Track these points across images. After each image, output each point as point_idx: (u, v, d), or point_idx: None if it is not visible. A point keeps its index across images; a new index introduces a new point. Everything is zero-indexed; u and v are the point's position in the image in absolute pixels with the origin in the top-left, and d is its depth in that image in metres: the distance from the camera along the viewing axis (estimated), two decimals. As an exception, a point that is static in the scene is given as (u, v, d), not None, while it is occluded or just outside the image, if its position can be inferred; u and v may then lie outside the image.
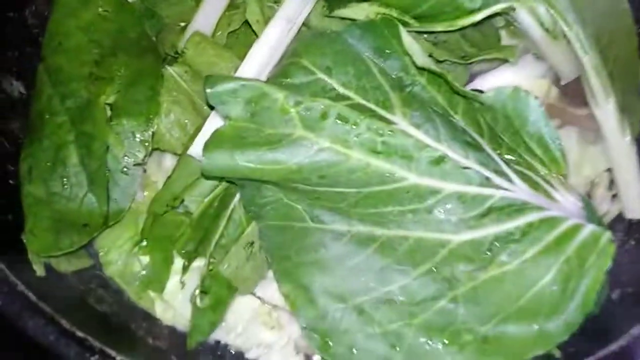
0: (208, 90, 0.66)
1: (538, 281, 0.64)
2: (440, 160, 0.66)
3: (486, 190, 0.66)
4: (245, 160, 0.64)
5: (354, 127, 0.65)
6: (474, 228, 0.66)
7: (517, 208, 0.66)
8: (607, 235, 0.65)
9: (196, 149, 0.74)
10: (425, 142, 0.67)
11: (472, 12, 0.75)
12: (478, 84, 0.86)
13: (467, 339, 0.64)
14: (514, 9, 0.77)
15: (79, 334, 0.59)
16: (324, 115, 0.65)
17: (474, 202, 0.66)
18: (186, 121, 0.80)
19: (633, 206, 0.81)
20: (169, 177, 0.80)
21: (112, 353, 0.58)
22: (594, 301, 0.66)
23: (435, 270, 0.66)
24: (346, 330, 0.66)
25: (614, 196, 0.85)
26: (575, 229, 0.66)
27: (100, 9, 0.82)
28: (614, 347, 0.62)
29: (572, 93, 0.87)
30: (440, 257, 0.66)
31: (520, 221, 0.65)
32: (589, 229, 0.65)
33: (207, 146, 0.66)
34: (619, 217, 0.84)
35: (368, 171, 0.65)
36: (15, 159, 0.80)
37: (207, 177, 0.73)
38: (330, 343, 0.66)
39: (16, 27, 0.86)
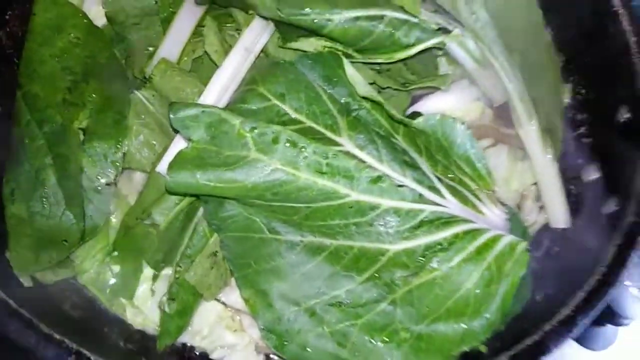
0: (172, 116, 0.71)
1: (463, 285, 0.72)
2: (378, 179, 0.74)
3: (418, 206, 0.74)
4: (205, 179, 0.69)
5: (302, 150, 0.71)
6: (409, 239, 0.74)
7: (445, 221, 0.74)
8: (523, 245, 0.75)
9: (163, 167, 0.79)
10: (366, 163, 0.75)
11: (408, 46, 0.83)
12: (420, 106, 0.94)
13: (403, 337, 0.72)
14: (444, 44, 0.86)
15: (57, 336, 0.65)
16: (275, 140, 0.71)
17: (407, 216, 0.74)
18: (154, 142, 0.85)
19: (556, 217, 0.90)
20: (140, 193, 0.87)
21: (88, 354, 0.64)
22: (512, 302, 0.76)
23: (376, 276, 0.74)
24: (299, 330, 0.73)
25: (542, 207, 0.93)
26: (495, 239, 0.75)
27: (71, 35, 0.86)
28: (528, 341, 0.70)
29: (504, 115, 0.95)
30: (381, 264, 0.73)
31: (448, 232, 0.74)
32: (507, 239, 0.75)
33: (171, 166, 0.71)
34: (546, 227, 0.92)
35: (315, 189, 0.71)
36: None
37: (172, 194, 0.79)
38: (286, 342, 0.73)
39: None
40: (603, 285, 0.72)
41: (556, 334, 0.69)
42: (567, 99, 1.00)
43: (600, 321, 0.98)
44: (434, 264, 0.74)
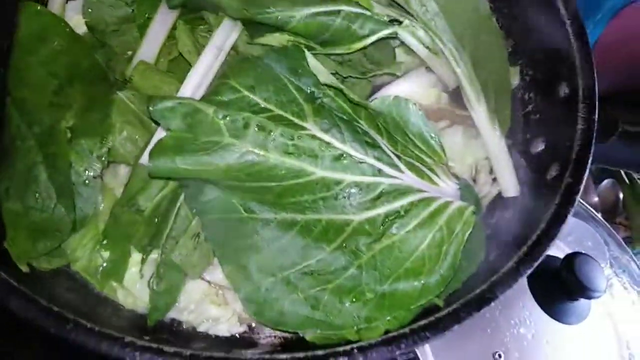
0: (151, 109, 0.77)
1: (418, 247, 0.80)
2: (340, 157, 0.81)
3: (378, 179, 0.82)
4: (183, 164, 0.76)
5: (270, 133, 0.78)
6: (370, 209, 0.81)
7: (402, 191, 0.82)
8: (470, 208, 0.83)
9: (145, 159, 0.86)
10: (329, 143, 0.82)
11: (363, 37, 0.91)
12: (381, 93, 1.02)
13: (369, 296, 0.79)
14: (396, 34, 0.94)
15: (55, 308, 0.72)
16: (246, 125, 0.78)
17: (368, 189, 0.82)
18: (136, 137, 0.91)
19: (507, 187, 0.99)
20: (126, 185, 0.93)
21: (85, 322, 0.71)
22: (467, 263, 0.85)
23: (344, 245, 0.81)
24: (276, 298, 0.79)
25: (494, 180, 1.01)
26: (446, 205, 0.83)
27: (55, 44, 0.92)
28: (477, 290, 0.77)
29: (458, 98, 1.04)
30: (346, 234, 0.81)
31: (404, 201, 0.82)
32: (456, 204, 0.83)
33: (152, 153, 0.77)
34: (499, 196, 1.01)
35: (283, 168, 0.78)
36: None
37: (153, 177, 0.85)
38: (264, 310, 0.79)
39: None
40: (543, 239, 0.80)
41: (502, 283, 0.76)
42: (516, 81, 1.10)
43: (572, 296, 1.05)
44: (393, 230, 0.81)
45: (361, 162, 0.83)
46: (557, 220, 0.82)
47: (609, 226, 1.29)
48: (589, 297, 1.03)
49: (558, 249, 1.18)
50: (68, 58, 0.93)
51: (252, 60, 0.89)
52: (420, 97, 1.06)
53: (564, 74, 0.97)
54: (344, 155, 0.82)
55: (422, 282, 0.80)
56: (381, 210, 0.82)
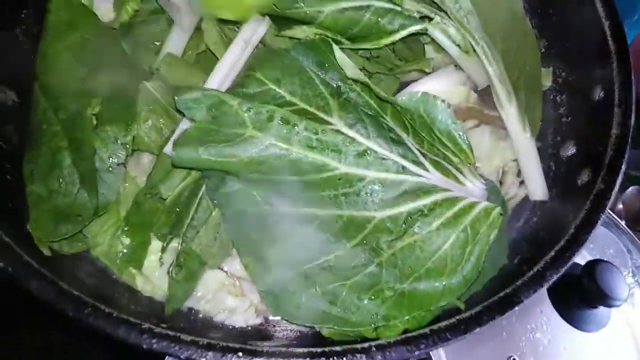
0: (176, 98, 0.77)
1: (441, 247, 0.79)
2: (364, 153, 0.80)
3: (401, 177, 0.81)
4: (207, 155, 0.76)
5: (294, 127, 0.78)
6: (392, 206, 0.80)
7: (426, 190, 0.81)
8: (497, 210, 0.81)
9: (169, 148, 0.86)
10: (353, 139, 0.81)
11: (392, 32, 0.90)
12: (409, 90, 1.00)
13: (388, 294, 0.78)
14: (426, 30, 0.93)
15: (75, 292, 0.72)
16: (270, 118, 0.78)
17: (391, 186, 0.80)
18: (161, 126, 0.91)
19: (535, 189, 0.97)
20: (149, 174, 0.93)
21: (103, 307, 0.71)
22: (489, 266, 0.83)
23: (364, 242, 0.80)
24: (294, 292, 0.78)
25: (522, 182, 0.99)
26: (472, 205, 0.81)
27: (83, 32, 0.93)
28: (501, 294, 0.75)
29: (488, 98, 1.02)
30: (367, 230, 0.79)
31: (428, 200, 0.80)
32: (482, 205, 0.81)
33: (176, 143, 0.78)
34: (526, 199, 0.99)
35: (306, 162, 0.78)
36: (10, 158, 0.89)
37: (176, 167, 0.85)
38: (282, 303, 0.78)
39: (8, 43, 0.95)
40: (572, 244, 0.78)
41: (527, 287, 0.74)
42: (548, 83, 1.08)
43: (592, 303, 1.01)
44: (416, 229, 0.80)
45: (385, 159, 0.81)
46: (587, 226, 0.79)
47: (632, 234, 1.24)
48: (610, 306, 1.00)
49: (579, 256, 1.15)
50: (95, 46, 0.94)
51: (279, 53, 0.88)
52: (448, 95, 1.04)
53: (599, 76, 0.94)
54: (368, 151, 0.81)
55: (444, 283, 0.78)
56: (404, 208, 0.80)
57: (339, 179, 0.80)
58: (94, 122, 0.88)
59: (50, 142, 0.88)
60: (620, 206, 1.57)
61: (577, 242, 0.78)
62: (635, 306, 1.12)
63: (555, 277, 0.76)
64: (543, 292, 1.02)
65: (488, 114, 1.04)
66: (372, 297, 0.78)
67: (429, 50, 1.04)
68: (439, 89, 1.03)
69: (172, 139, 0.86)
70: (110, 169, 0.89)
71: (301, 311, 0.79)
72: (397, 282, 0.79)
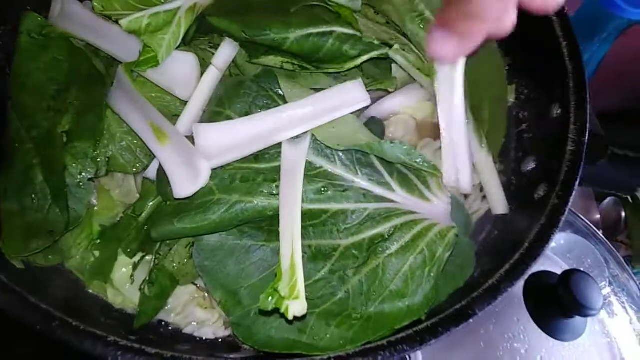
0: (153, 235, 0.83)
1: (402, 269, 0.82)
2: (324, 189, 0.85)
3: (362, 205, 0.85)
4: (181, 225, 0.81)
5: (254, 181, 0.83)
6: (355, 234, 0.84)
7: (386, 216, 0.85)
8: (453, 231, 0.84)
9: (150, 173, 0.91)
10: (319, 169, 0.87)
11: (354, 58, 0.93)
12: (375, 108, 1.03)
13: (355, 320, 0.80)
14: (387, 55, 0.96)
15: (43, 306, 0.74)
16: (232, 180, 0.83)
17: (353, 215, 0.85)
18: (136, 147, 0.94)
19: (495, 204, 0.99)
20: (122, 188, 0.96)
21: (70, 320, 0.73)
22: (455, 279, 0.86)
23: (332, 270, 0.83)
24: (264, 322, 0.81)
25: (484, 197, 1.02)
26: (429, 227, 0.84)
27: (55, 53, 0.95)
28: (458, 306, 0.78)
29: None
30: (335, 258, 0.83)
31: (388, 225, 0.84)
32: (439, 227, 0.84)
33: (154, 219, 0.85)
34: (488, 213, 1.02)
35: (271, 208, 0.82)
36: None
37: (156, 241, 0.89)
38: (253, 333, 0.81)
39: None
40: (526, 258, 0.81)
41: (481, 300, 0.77)
42: (511, 99, 1.11)
43: (568, 313, 1.03)
44: (378, 253, 0.83)
45: (345, 190, 0.85)
46: (541, 241, 0.82)
47: (609, 244, 1.28)
48: (585, 315, 1.02)
49: (556, 265, 1.18)
50: (67, 64, 0.95)
51: (247, 85, 0.91)
52: (413, 111, 1.07)
53: (557, 94, 0.97)
54: (326, 187, 0.85)
55: (407, 303, 0.81)
56: (366, 234, 0.84)
57: (305, 214, 0.83)
58: (64, 139, 0.91)
59: (23, 160, 0.90)
60: (598, 216, 1.60)
61: (531, 256, 0.81)
62: (612, 316, 1.17)
63: (509, 290, 0.79)
64: (520, 301, 1.05)
65: (452, 129, 1.06)
66: (340, 324, 0.81)
67: (395, 67, 1.07)
68: (405, 105, 1.07)
69: (153, 164, 0.91)
70: (81, 184, 0.91)
71: (272, 341, 0.80)
72: (363, 306, 0.81)
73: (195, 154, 0.82)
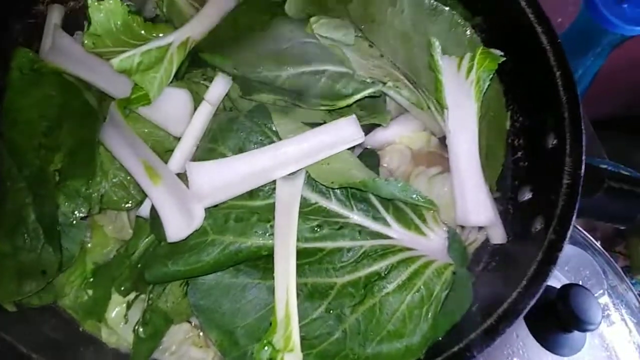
0: (147, 277, 0.82)
1: (399, 308, 0.81)
2: (318, 228, 0.84)
3: (358, 243, 0.84)
4: (175, 267, 0.80)
5: (248, 221, 0.82)
6: (352, 272, 0.83)
7: (382, 253, 0.84)
8: (450, 268, 0.83)
9: (143, 210, 0.90)
10: (313, 204, 0.86)
11: (347, 96, 0.92)
12: (370, 137, 1.02)
13: None
14: (380, 92, 0.96)
15: (34, 356, 0.73)
16: (225, 220, 0.82)
17: (349, 253, 0.83)
18: (128, 184, 0.93)
19: (493, 234, 0.98)
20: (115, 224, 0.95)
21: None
22: (453, 312, 0.85)
23: (329, 309, 0.82)
24: None
25: (481, 227, 1.00)
26: (426, 265, 0.83)
27: (47, 89, 0.95)
28: (455, 348, 0.78)
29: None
30: (331, 297, 0.82)
31: (384, 263, 0.83)
32: (436, 265, 0.83)
33: (148, 261, 0.84)
34: (486, 243, 1.01)
35: (265, 248, 0.81)
36: None
37: (150, 283, 0.88)
38: None
39: None
40: (525, 297, 0.80)
41: (480, 342, 0.77)
42: (507, 126, 1.10)
43: (567, 328, 1.02)
44: (375, 292, 0.82)
45: (340, 228, 0.84)
46: (537, 279, 0.82)
47: (607, 255, 1.27)
48: (584, 330, 1.01)
49: (554, 278, 1.16)
50: (59, 100, 0.95)
51: (240, 122, 0.90)
52: (409, 140, 1.07)
53: (552, 124, 0.96)
54: (321, 225, 0.84)
55: (405, 343, 0.80)
56: (362, 272, 0.83)
57: (300, 253, 0.82)
58: (57, 177, 0.90)
59: (16, 199, 0.89)
60: (596, 227, 1.59)
61: (528, 294, 0.80)
62: (611, 327, 1.15)
63: (508, 329, 0.78)
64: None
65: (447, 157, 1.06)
66: (338, 365, 0.80)
67: (390, 99, 1.06)
68: (400, 135, 1.06)
69: (146, 203, 0.90)
70: (74, 222, 0.90)
71: (269, 382, 0.80)
72: (360, 347, 0.80)
73: (189, 196, 0.82)
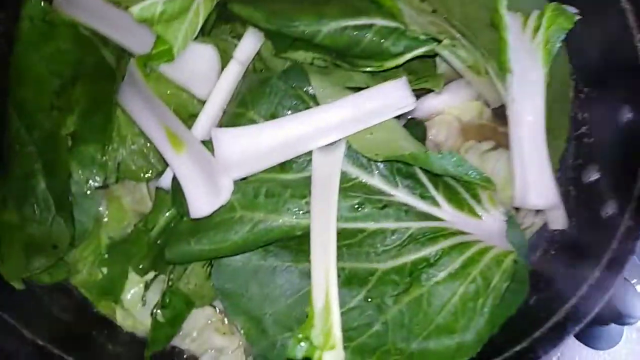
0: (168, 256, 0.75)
1: (450, 300, 0.72)
2: (359, 206, 0.74)
3: (403, 224, 0.75)
4: (199, 245, 0.72)
5: (280, 197, 0.73)
6: (396, 257, 0.74)
7: (431, 237, 0.74)
8: (511, 256, 0.74)
9: (163, 182, 0.81)
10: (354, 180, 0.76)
11: (397, 55, 0.81)
12: (419, 106, 0.91)
13: (395, 357, 0.72)
14: (434, 52, 0.84)
15: (39, 342, 0.65)
16: (255, 195, 0.73)
17: (393, 235, 0.75)
18: (148, 150, 0.84)
19: (554, 218, 0.89)
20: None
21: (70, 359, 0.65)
22: (508, 304, 0.76)
23: (368, 297, 0.74)
24: None
25: (538, 210, 0.91)
26: (482, 252, 0.74)
27: (60, 42, 0.86)
28: (518, 348, 0.70)
29: (503, 114, 0.94)
30: (372, 284, 0.74)
31: (434, 248, 0.74)
32: (495, 251, 0.74)
33: (169, 238, 0.76)
34: (544, 228, 0.92)
35: (299, 228, 0.73)
36: None
37: (171, 263, 0.80)
38: None
39: None
40: (596, 291, 0.71)
41: (545, 341, 0.69)
42: (570, 97, 0.98)
43: (604, 320, 0.94)
44: (422, 281, 0.73)
45: (384, 207, 0.75)
46: (612, 270, 0.73)
47: None
48: (622, 323, 0.96)
49: None
50: (73, 55, 0.86)
51: (272, 84, 0.80)
52: (460, 111, 0.96)
53: (627, 95, 0.85)
54: (363, 203, 0.75)
55: (456, 340, 0.72)
56: (408, 258, 0.74)
57: (338, 233, 0.73)
58: (69, 142, 0.82)
59: (24, 165, 0.82)
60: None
61: (602, 288, 0.71)
62: None
63: (577, 329, 0.68)
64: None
65: (504, 132, 0.95)
66: (378, 360, 0.72)
67: (439, 61, 0.95)
68: (450, 104, 0.96)
69: (167, 174, 0.81)
70: (88, 193, 0.83)
71: (300, 376, 0.72)
72: (404, 342, 0.72)
73: (216, 167, 0.72)
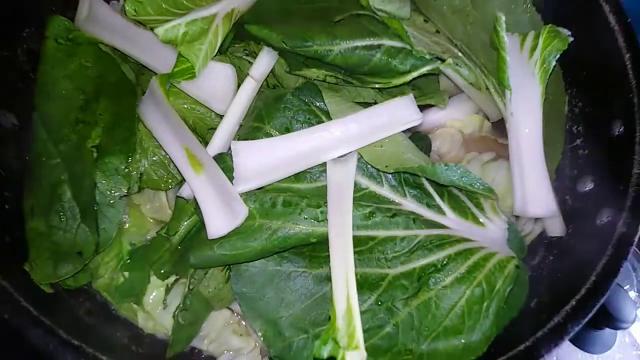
0: (192, 261, 0.78)
1: (457, 303, 0.76)
2: (370, 215, 0.79)
3: (412, 232, 0.79)
4: (221, 251, 0.76)
5: (297, 206, 0.77)
6: (405, 262, 0.78)
7: (438, 243, 0.79)
8: (513, 262, 0.78)
9: (184, 191, 0.85)
10: (364, 189, 0.80)
11: (404, 73, 0.86)
12: (424, 119, 0.97)
13: (406, 358, 0.75)
14: (439, 70, 0.89)
15: (75, 342, 0.69)
16: (273, 205, 0.77)
17: (402, 242, 0.79)
18: (169, 162, 0.88)
19: (552, 226, 0.93)
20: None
21: (104, 358, 0.68)
22: (509, 307, 0.80)
23: (379, 302, 0.77)
24: (308, 356, 0.76)
25: (537, 218, 0.95)
26: (487, 257, 0.78)
27: (82, 59, 0.90)
28: (521, 347, 0.72)
29: (503, 127, 0.98)
30: (382, 288, 0.77)
31: (441, 254, 0.78)
32: (498, 257, 0.78)
33: (194, 247, 0.79)
34: (542, 236, 0.96)
35: (315, 235, 0.77)
36: (9, 186, 0.86)
37: (195, 268, 0.84)
38: None
39: (9, 64, 0.91)
40: (593, 294, 0.75)
41: (547, 341, 0.72)
42: (565, 111, 1.03)
43: (598, 325, 0.99)
44: (430, 285, 0.77)
45: (394, 215, 0.79)
46: (609, 275, 0.76)
47: (638, 251, 1.21)
48: (616, 328, 0.99)
49: None
50: (95, 72, 0.90)
51: (287, 100, 0.85)
52: (462, 124, 1.01)
53: (619, 110, 0.89)
54: (374, 212, 0.79)
55: (463, 340, 0.75)
56: (417, 263, 0.78)
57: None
58: (94, 154, 0.85)
59: (51, 176, 0.85)
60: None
61: (598, 291, 0.75)
62: None
63: (577, 329, 0.72)
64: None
65: (503, 143, 1.00)
66: (389, 361, 0.75)
67: (443, 78, 1.00)
68: (452, 118, 1.01)
69: (186, 185, 0.84)
70: (112, 202, 0.86)
71: (315, 376, 0.75)
72: (414, 343, 0.76)
73: (232, 190, 0.76)
